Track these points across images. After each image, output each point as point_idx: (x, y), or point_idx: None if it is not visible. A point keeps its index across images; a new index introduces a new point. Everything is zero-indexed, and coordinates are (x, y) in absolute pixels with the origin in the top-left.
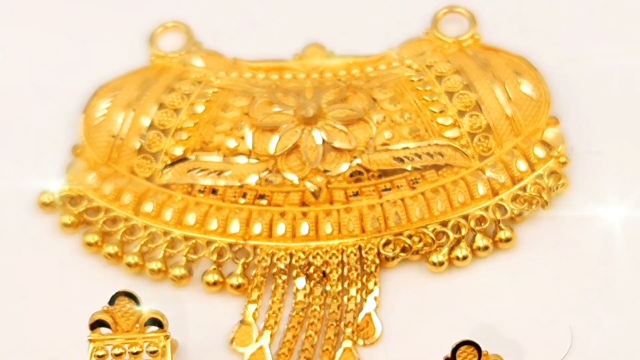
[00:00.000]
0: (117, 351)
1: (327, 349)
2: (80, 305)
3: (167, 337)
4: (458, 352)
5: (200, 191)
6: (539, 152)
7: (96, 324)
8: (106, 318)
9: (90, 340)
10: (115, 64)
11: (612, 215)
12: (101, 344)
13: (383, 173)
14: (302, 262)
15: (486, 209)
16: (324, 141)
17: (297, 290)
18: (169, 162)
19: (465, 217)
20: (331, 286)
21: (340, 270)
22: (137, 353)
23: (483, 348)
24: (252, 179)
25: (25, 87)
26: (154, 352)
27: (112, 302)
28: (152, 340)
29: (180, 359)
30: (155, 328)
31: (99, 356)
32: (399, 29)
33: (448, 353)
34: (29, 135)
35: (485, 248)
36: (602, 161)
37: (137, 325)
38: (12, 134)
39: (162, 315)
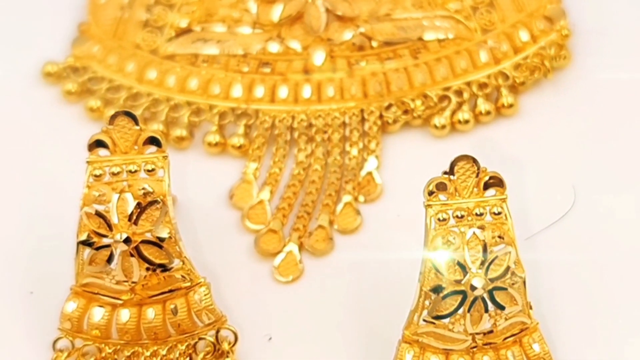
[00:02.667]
0: (115, 170)
1: (327, 204)
2: (82, 164)
3: (165, 157)
4: (456, 167)
5: (204, 61)
6: (542, 25)
7: (94, 145)
8: (105, 138)
9: (88, 162)
10: None
11: (615, 85)
12: (99, 165)
13: (386, 43)
14: (304, 124)
15: (488, 76)
16: (327, 10)
17: (299, 150)
18: (174, 34)
19: (468, 84)
20: (332, 147)
21: (342, 132)
22: (134, 172)
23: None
24: (255, 48)
25: None
26: (152, 170)
27: (111, 122)
28: (150, 159)
29: (180, 214)
30: (154, 149)
31: (96, 175)
32: None
33: (447, 167)
34: (35, 10)
35: (488, 113)
36: (604, 40)
37: (136, 147)
38: (19, 9)
39: (161, 134)
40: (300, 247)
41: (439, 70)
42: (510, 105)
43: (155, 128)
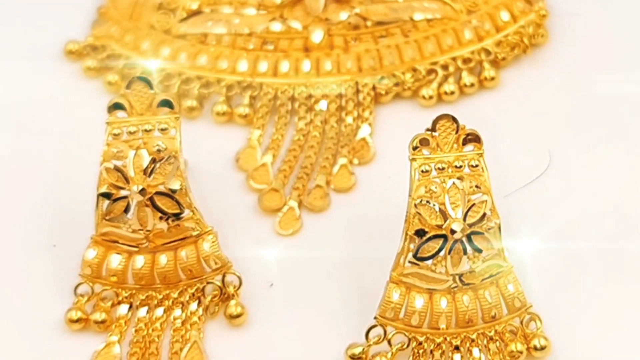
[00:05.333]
0: (131, 129)
1: (324, 166)
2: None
3: (177, 118)
4: (438, 125)
5: (212, 40)
6: (521, 6)
7: (113, 107)
8: (122, 101)
9: (108, 123)
10: None
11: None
12: (117, 125)
13: (379, 23)
14: (304, 95)
15: (472, 52)
16: None
17: (299, 119)
18: (185, 15)
19: (454, 59)
20: (330, 115)
21: (338, 102)
22: (149, 130)
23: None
24: (260, 27)
25: None
26: (164, 129)
27: (128, 87)
28: (163, 119)
29: (191, 176)
30: (166, 111)
31: (115, 134)
32: None
33: (429, 125)
34: None
35: (472, 85)
36: (578, 20)
37: (151, 109)
38: None
39: (173, 98)
40: (300, 204)
41: (427, 47)
42: (492, 78)
43: None
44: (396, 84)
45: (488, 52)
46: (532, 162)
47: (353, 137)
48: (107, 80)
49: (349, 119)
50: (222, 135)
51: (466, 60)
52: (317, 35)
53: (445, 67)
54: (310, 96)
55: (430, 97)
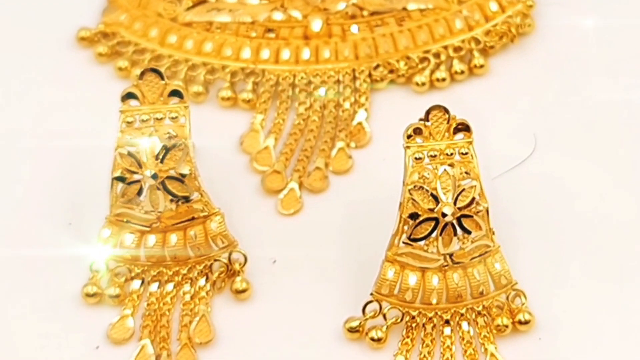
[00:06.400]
0: (144, 117)
1: (323, 149)
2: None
3: (186, 106)
4: (431, 115)
5: (217, 28)
6: None
7: (126, 97)
8: (135, 91)
9: (121, 111)
10: None
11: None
12: (130, 113)
13: (375, 12)
14: (304, 81)
15: (463, 41)
16: None
17: (299, 104)
18: (191, 4)
19: (445, 47)
20: (328, 101)
21: (336, 88)
22: (160, 119)
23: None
24: (262, 16)
25: None
26: (175, 117)
27: (141, 77)
28: (173, 108)
29: (198, 158)
30: (176, 100)
31: (128, 122)
32: None
33: (422, 110)
34: None
35: (462, 72)
36: (563, 10)
37: (162, 98)
38: None
39: (183, 88)
40: (300, 185)
41: (420, 36)
42: (481, 66)
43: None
44: (391, 71)
45: (477, 41)
46: (519, 146)
47: (350, 122)
48: (118, 66)
49: (347, 105)
50: (227, 119)
51: (457, 49)
52: (316, 24)
53: (437, 55)
54: (309, 82)
55: (423, 84)
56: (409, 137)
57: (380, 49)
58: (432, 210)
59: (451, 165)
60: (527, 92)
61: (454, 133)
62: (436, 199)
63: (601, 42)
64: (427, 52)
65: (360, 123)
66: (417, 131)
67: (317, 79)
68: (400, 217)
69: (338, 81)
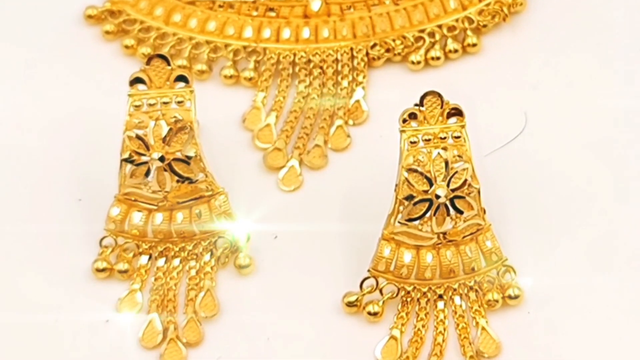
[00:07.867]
0: (151, 101)
1: (322, 127)
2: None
3: (191, 91)
4: (425, 100)
5: (220, 6)
6: None
7: (134, 81)
8: (143, 76)
9: (130, 95)
10: None
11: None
12: (138, 97)
13: None
14: (304, 60)
15: (456, 20)
16: None
17: (299, 82)
18: None
19: (439, 26)
20: (327, 79)
21: (335, 66)
22: (167, 103)
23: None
24: None
25: None
26: (181, 102)
27: (148, 63)
28: (179, 93)
29: (202, 135)
30: (182, 84)
31: (136, 106)
32: None
33: (417, 91)
34: None
35: (455, 51)
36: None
37: (168, 83)
38: None
39: (188, 73)
40: (300, 162)
41: (415, 15)
42: (474, 45)
43: (180, 63)
44: (387, 50)
45: (471, 20)
46: (510, 123)
47: (348, 100)
48: (124, 44)
49: (345, 83)
50: (230, 97)
51: (451, 28)
52: (315, 4)
53: (431, 34)
54: (309, 61)
55: (418, 62)
56: (404, 121)
57: (377, 28)
58: (426, 192)
59: (444, 148)
60: (519, 71)
61: (447, 117)
62: (430, 181)
63: (592, 20)
64: (422, 31)
65: (357, 101)
66: (412, 116)
67: (317, 57)
68: (396, 198)
69: (337, 60)
